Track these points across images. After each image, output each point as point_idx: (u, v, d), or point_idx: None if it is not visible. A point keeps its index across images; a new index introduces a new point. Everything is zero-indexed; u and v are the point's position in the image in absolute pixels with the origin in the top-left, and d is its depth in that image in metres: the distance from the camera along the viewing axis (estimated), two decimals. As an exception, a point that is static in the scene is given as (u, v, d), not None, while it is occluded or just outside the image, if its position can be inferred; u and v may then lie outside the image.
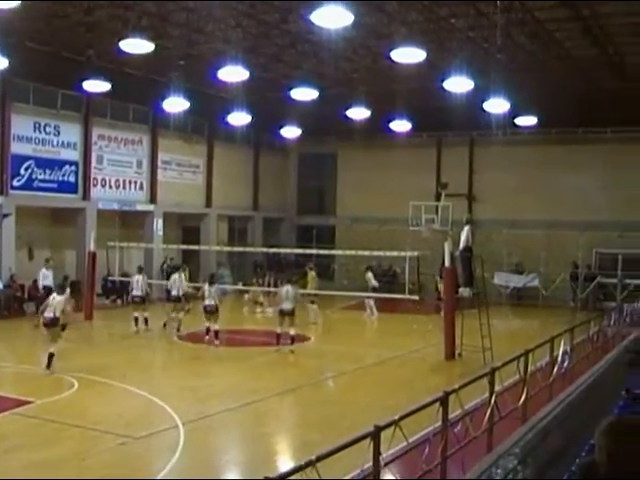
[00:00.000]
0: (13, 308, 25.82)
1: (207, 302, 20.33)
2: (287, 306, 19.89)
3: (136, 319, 22.70)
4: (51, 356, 15.85)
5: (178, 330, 22.16)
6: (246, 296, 29.94)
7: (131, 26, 20.56)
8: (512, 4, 20.73)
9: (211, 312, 20.32)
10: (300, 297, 21.49)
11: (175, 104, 26.91)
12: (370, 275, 28.16)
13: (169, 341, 21.73)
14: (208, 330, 20.27)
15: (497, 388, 10.37)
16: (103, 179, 30.82)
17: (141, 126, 32.68)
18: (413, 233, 31.56)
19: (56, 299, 16.42)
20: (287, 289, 20.16)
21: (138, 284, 23.01)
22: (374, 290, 27.60)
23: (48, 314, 16.25)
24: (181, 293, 22.94)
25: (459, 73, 21.57)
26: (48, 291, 24.89)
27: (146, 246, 31.04)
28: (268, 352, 19.65)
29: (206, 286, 20.84)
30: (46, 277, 24.45)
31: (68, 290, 19.48)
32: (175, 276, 23.44)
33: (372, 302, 27.31)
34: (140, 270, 24.06)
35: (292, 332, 19.86)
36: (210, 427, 12.27)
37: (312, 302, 25.95)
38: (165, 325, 23.09)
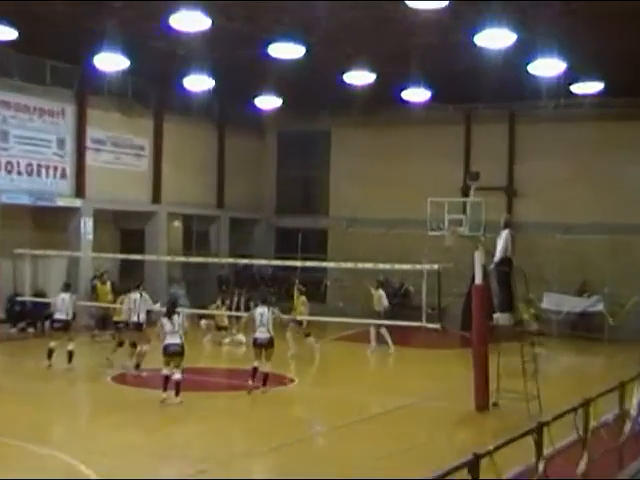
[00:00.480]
0: None
1: (169, 340, 19.26)
2: (262, 335, 20.03)
3: (50, 351, 22.55)
4: None
5: (137, 367, 22.29)
6: (203, 322, 29.67)
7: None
8: None
9: (174, 354, 19.23)
10: (282, 321, 21.50)
11: (111, 61, 26.80)
12: (382, 293, 28.18)
13: (101, 383, 21.66)
14: (167, 379, 19.16)
15: (547, 451, 10.20)
16: (9, 163, 30.49)
17: (63, 91, 32.46)
18: (432, 240, 31.16)
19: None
20: (261, 312, 20.21)
21: (63, 305, 22.97)
22: (384, 314, 27.43)
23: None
24: (142, 319, 22.93)
25: (495, 23, 21.36)
26: None
27: (70, 255, 30.81)
28: (235, 398, 19.63)
29: (164, 320, 19.75)
30: None
31: None
32: (135, 296, 23.23)
33: (385, 330, 27.20)
34: (67, 287, 24.08)
35: (266, 368, 20.02)
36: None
37: (307, 334, 26.35)
38: (108, 359, 23.32)
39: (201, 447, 15.18)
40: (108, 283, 28.73)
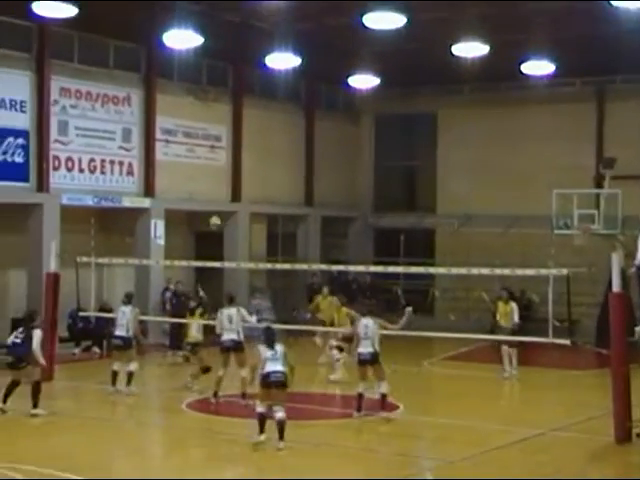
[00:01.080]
0: None
1: (270, 368, 18.05)
2: (366, 349, 20.03)
3: (115, 374, 22.71)
4: None
5: (244, 397, 21.62)
6: (317, 338, 28.65)
7: None
8: None
9: (275, 385, 18.02)
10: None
11: (182, 39, 27.06)
12: (514, 306, 27.05)
13: (174, 410, 21.73)
14: (263, 418, 17.96)
15: None
16: (69, 159, 30.99)
17: (129, 75, 32.87)
18: (560, 239, 30.94)
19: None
20: (366, 324, 20.31)
21: (124, 319, 23.12)
22: (513, 332, 26.72)
23: None
24: (242, 338, 22.46)
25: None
26: None
27: (139, 262, 30.98)
28: (337, 427, 19.66)
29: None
30: None
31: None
32: (230, 312, 22.56)
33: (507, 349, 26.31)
34: (128, 299, 24.09)
35: (383, 389, 19.99)
36: None
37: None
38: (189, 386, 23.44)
39: None
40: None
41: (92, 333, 29.85)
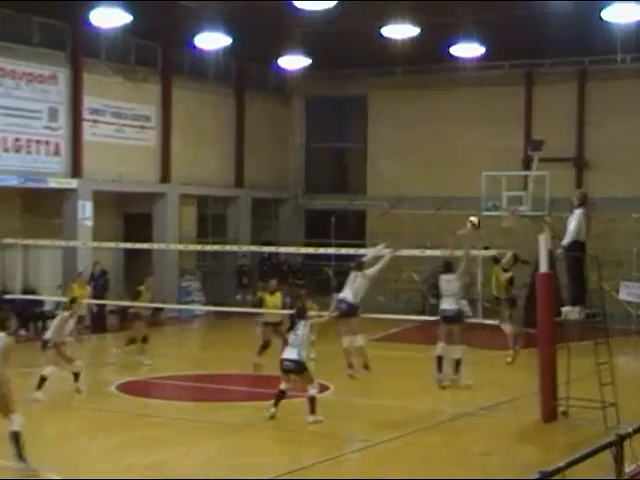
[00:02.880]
0: None
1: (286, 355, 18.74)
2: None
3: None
4: None
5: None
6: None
7: None
8: None
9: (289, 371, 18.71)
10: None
11: (109, 17, 27.08)
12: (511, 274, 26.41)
13: (99, 393, 21.53)
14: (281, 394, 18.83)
15: (628, 469, 10.01)
16: (-6, 138, 30.91)
17: (54, 53, 32.63)
18: (488, 221, 31.15)
19: None
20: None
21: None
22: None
23: None
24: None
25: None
26: None
27: (66, 244, 30.86)
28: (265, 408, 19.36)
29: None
30: None
31: None
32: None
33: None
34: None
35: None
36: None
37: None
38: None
39: (225, 465, 15.31)
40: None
41: (18, 315, 29.52)
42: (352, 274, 21.45)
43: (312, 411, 18.09)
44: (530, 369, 20.21)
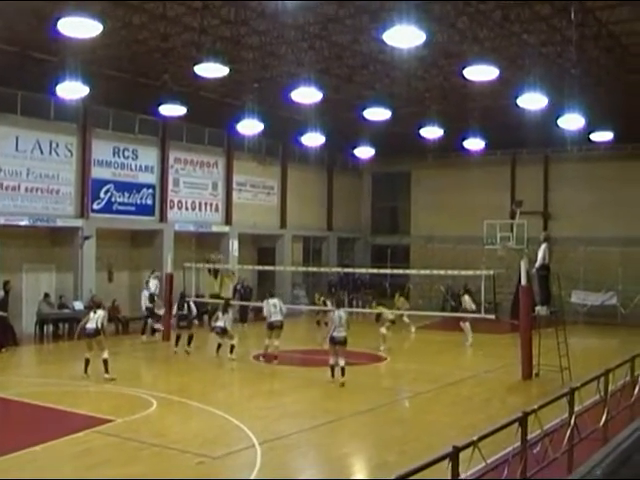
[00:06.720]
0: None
1: (335, 333, 17.62)
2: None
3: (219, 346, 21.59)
4: (105, 362, 17.68)
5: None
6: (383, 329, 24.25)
7: (205, 51, 20.87)
8: (586, 18, 20.37)
9: (339, 344, 17.64)
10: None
11: (249, 126, 27.14)
12: (467, 298, 25.66)
13: (243, 360, 21.26)
14: (333, 368, 17.67)
15: (577, 409, 10.13)
16: (180, 201, 31.38)
17: (216, 149, 33.12)
18: (488, 252, 31.16)
19: (98, 313, 18.09)
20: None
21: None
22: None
23: (91, 325, 17.91)
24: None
25: (533, 90, 21.20)
26: (150, 311, 25.64)
27: (222, 268, 31.12)
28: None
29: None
30: (149, 289, 26.08)
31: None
32: (274, 301, 21.23)
33: (468, 325, 25.29)
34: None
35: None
36: (286, 447, 12.13)
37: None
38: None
39: (317, 408, 15.21)
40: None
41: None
42: None
43: (343, 374, 17.33)
44: (515, 346, 20.10)
